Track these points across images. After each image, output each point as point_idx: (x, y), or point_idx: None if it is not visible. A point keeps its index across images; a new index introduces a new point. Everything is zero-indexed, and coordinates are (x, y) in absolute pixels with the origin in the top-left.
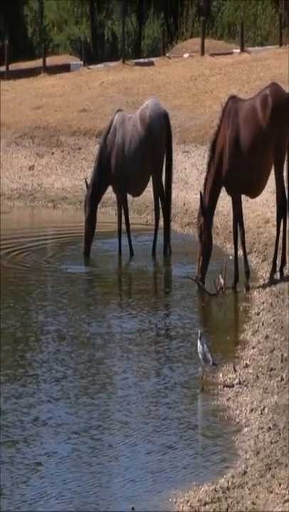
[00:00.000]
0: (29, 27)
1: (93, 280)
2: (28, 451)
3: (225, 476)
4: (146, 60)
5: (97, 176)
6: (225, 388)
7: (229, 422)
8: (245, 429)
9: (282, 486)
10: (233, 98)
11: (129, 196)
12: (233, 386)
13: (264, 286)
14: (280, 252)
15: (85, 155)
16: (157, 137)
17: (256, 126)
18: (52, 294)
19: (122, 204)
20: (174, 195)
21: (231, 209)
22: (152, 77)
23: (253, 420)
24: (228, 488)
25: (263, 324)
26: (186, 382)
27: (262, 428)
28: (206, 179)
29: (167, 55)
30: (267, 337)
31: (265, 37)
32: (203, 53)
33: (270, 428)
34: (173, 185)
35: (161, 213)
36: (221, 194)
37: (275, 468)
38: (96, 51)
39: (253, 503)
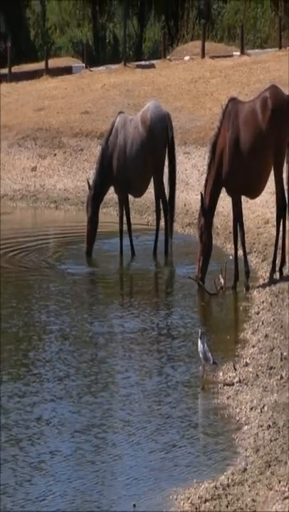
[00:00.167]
0: (31, 29)
1: (95, 280)
2: (32, 449)
3: (225, 474)
4: (147, 63)
5: (99, 177)
6: (225, 387)
7: (229, 420)
8: (245, 427)
9: (281, 483)
10: (233, 100)
11: (130, 197)
12: (233, 384)
13: (264, 286)
14: (279, 252)
15: (87, 156)
16: (158, 139)
17: (256, 128)
18: (54, 294)
19: (123, 205)
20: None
21: (231, 210)
22: (153, 79)
23: (253, 418)
24: (228, 486)
25: (262, 323)
26: (187, 381)
27: (262, 426)
28: (207, 180)
29: (168, 57)
30: (267, 336)
31: (265, 40)
32: (203, 56)
33: (269, 426)
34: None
35: (162, 214)
36: (221, 195)
37: (275, 465)
38: (98, 54)
39: (253, 500)
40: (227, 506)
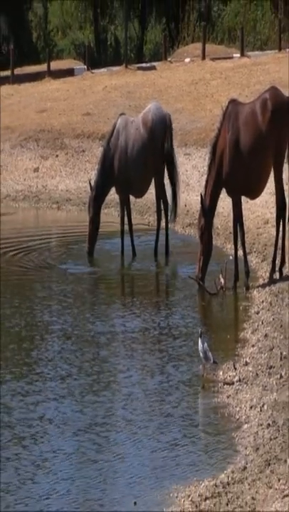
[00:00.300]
0: (34, 32)
1: (96, 280)
2: (35, 448)
3: (225, 472)
4: (148, 65)
5: (101, 178)
6: (225, 386)
7: (229, 418)
8: (245, 426)
9: (281, 481)
10: (233, 102)
11: (131, 197)
12: (233, 384)
13: (263, 286)
14: (279, 252)
15: (89, 157)
16: (159, 140)
17: (256, 129)
18: (56, 294)
19: (124, 205)
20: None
21: (231, 210)
22: (154, 81)
23: (253, 417)
24: (228, 484)
25: (262, 323)
26: (188, 380)
27: (261, 425)
28: (207, 181)
29: (169, 59)
30: (266, 335)
31: (265, 42)
32: (204, 58)
33: (269, 425)
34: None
35: (162, 214)
36: (222, 195)
37: (275, 464)
38: (99, 56)
39: (253, 498)
40: (227, 504)
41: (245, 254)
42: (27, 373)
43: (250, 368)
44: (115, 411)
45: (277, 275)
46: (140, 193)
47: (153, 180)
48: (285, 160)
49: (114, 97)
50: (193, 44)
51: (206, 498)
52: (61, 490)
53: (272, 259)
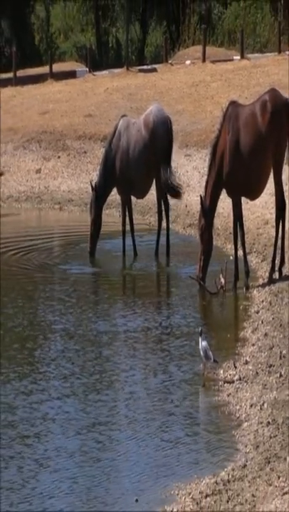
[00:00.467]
0: (36, 34)
1: (98, 280)
2: (38, 446)
3: (225, 469)
4: (149, 67)
5: (102, 179)
6: (225, 384)
7: (230, 416)
8: (245, 424)
9: (281, 478)
10: (233, 103)
11: (133, 198)
12: (233, 382)
13: (263, 286)
14: (279, 252)
15: (91, 158)
16: (161, 141)
17: (256, 130)
18: (58, 294)
19: (126, 206)
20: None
21: (231, 211)
22: (155, 83)
23: (253, 415)
24: (228, 481)
25: (262, 322)
26: (190, 379)
27: (261, 423)
28: (207, 182)
29: (170, 61)
30: (266, 334)
31: (265, 44)
32: (204, 60)
33: (269, 423)
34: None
35: (164, 215)
36: (222, 196)
37: (274, 461)
38: (101, 58)
39: (253, 496)
40: (227, 501)
41: (245, 255)
42: (30, 372)
43: (250, 367)
44: (118, 410)
45: (276, 275)
46: (141, 194)
47: (154, 181)
48: (285, 161)
49: (115, 99)
50: (193, 46)
51: (207, 496)
52: (64, 488)
53: (271, 259)
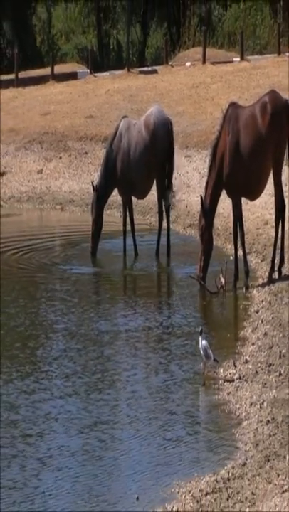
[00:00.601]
0: (38, 36)
1: (99, 279)
2: (40, 445)
3: (225, 468)
4: (150, 69)
5: (104, 180)
6: (225, 383)
7: (230, 415)
8: (245, 423)
9: (280, 476)
10: (233, 105)
11: (134, 199)
12: (233, 381)
13: (263, 285)
14: (278, 252)
15: (92, 159)
16: (161, 143)
17: (256, 131)
18: (60, 293)
19: (127, 206)
20: (176, 198)
21: (231, 211)
22: (156, 84)
23: (253, 414)
24: (228, 479)
25: (262, 322)
26: (191, 378)
27: (261, 421)
28: (207, 182)
29: (170, 63)
30: (266, 334)
31: (264, 46)
32: (204, 62)
33: (268, 421)
34: (175, 188)
35: (164, 215)
36: (222, 197)
37: (274, 459)
38: (102, 60)
39: (253, 493)
40: (227, 499)
41: (245, 255)
42: (32, 372)
43: (250, 366)
44: (120, 409)
45: (276, 275)
46: (142, 195)
47: (155, 182)
48: (285, 162)
49: (116, 100)
50: (193, 48)
51: (207, 494)
52: (66, 487)
53: (271, 259)
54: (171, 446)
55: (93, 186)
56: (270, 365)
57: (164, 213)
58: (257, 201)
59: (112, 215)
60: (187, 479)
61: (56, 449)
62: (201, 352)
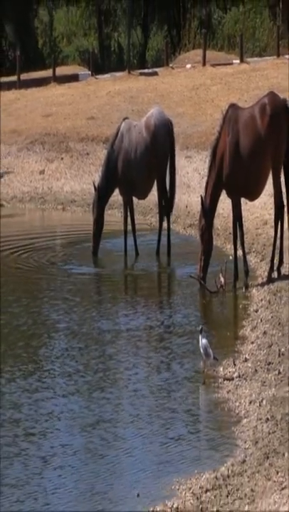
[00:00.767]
0: (40, 38)
1: (100, 278)
2: (43, 443)
3: (225, 465)
4: (150, 71)
5: (105, 180)
6: (225, 381)
7: (229, 413)
8: (245, 420)
9: (279, 473)
10: (233, 106)
11: (134, 199)
12: (232, 379)
13: (262, 285)
14: (277, 252)
15: (93, 160)
16: (162, 144)
17: (255, 133)
18: (62, 292)
19: (128, 206)
20: (176, 198)
21: (231, 211)
22: (156, 86)
23: (252, 412)
24: (228, 476)
25: (261, 320)
26: (191, 376)
27: (260, 419)
28: (207, 183)
29: (170, 65)
30: (265, 333)
31: (264, 48)
32: (204, 64)
33: (268, 419)
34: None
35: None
36: (222, 197)
37: (273, 457)
38: (103, 62)
39: (252, 490)
40: (227, 496)
41: (244, 254)
42: (35, 370)
43: (250, 364)
44: (122, 407)
45: (275, 274)
46: (143, 195)
47: (155, 183)
48: None
49: (117, 102)
50: (194, 50)
51: (207, 490)
52: (69, 484)
53: (270, 258)
54: (171, 443)
55: (95, 186)
56: (269, 363)
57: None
58: (256, 201)
59: (113, 215)
60: (187, 476)
61: (59, 447)
62: (201, 350)
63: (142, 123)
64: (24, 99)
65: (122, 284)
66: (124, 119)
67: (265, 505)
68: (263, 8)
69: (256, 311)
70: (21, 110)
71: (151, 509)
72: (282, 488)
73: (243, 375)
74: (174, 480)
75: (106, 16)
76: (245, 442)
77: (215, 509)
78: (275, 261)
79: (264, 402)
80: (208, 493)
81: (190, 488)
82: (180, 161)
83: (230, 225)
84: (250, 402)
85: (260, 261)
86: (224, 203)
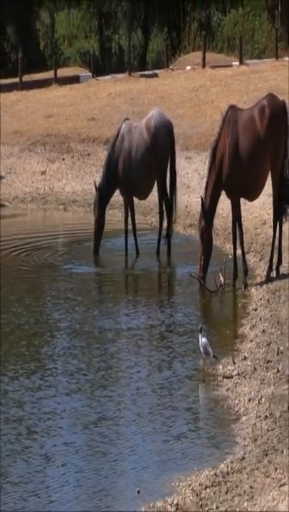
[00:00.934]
0: (41, 41)
1: (102, 277)
2: (46, 441)
3: (224, 462)
4: (150, 72)
5: (106, 181)
6: (224, 379)
7: (228, 410)
8: (244, 418)
9: (278, 470)
10: (232, 108)
11: (135, 199)
12: (232, 377)
13: (261, 284)
14: (276, 251)
15: (94, 161)
16: (162, 145)
17: (254, 134)
18: (63, 292)
19: (128, 207)
20: (176, 199)
21: (231, 211)
22: (156, 88)
23: (251, 409)
24: (227, 473)
25: (260, 319)
26: (193, 375)
27: (259, 417)
28: (207, 183)
29: (171, 67)
30: (264, 331)
31: (263, 50)
32: (204, 66)
33: (266, 416)
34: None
35: (165, 215)
36: (221, 197)
37: (272, 454)
38: (104, 64)
39: (251, 487)
40: (226, 493)
41: (243, 254)
42: (38, 369)
43: (249, 363)
44: (124, 405)
45: (274, 273)
46: (143, 195)
47: (155, 183)
48: None
49: (118, 103)
50: (193, 52)
51: (207, 487)
52: (71, 481)
53: (269, 258)
54: (172, 441)
55: (96, 187)
56: (268, 361)
57: (165, 213)
58: (255, 202)
59: (114, 215)
60: (187, 473)
61: (61, 444)
62: (201, 349)
63: (142, 124)
64: (26, 100)
65: (123, 283)
66: (125, 120)
67: (264, 501)
68: (261, 11)
69: (255, 309)
70: (23, 111)
71: (151, 505)
72: (281, 485)
73: (242, 373)
74: (174, 477)
75: (107, 18)
76: (245, 439)
77: (214, 505)
78: (274, 260)
79: (263, 399)
80: (207, 490)
81: (190, 485)
82: (180, 161)
83: (230, 225)
84: (250, 400)
85: (259, 260)
86: (224, 203)
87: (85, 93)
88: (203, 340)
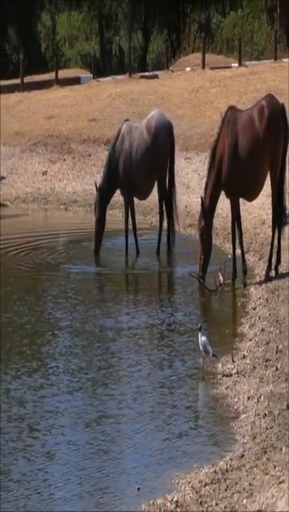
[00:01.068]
0: (42, 42)
1: (102, 277)
2: (48, 439)
3: (224, 459)
4: (151, 74)
5: (106, 181)
6: (224, 377)
7: (228, 408)
8: (243, 416)
9: (277, 468)
10: (231, 108)
11: (135, 199)
12: (231, 375)
13: (260, 283)
14: (275, 251)
15: (95, 161)
16: (162, 145)
17: (253, 134)
18: (64, 291)
19: (129, 206)
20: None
21: (230, 211)
22: (157, 89)
23: (250, 407)
24: (226, 470)
25: (259, 318)
26: (194, 374)
27: (258, 415)
28: (207, 184)
29: (170, 68)
30: (263, 330)
31: (262, 52)
32: (203, 67)
33: (265, 414)
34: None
35: (165, 215)
36: (221, 197)
37: (271, 451)
38: (104, 65)
39: (250, 484)
40: (226, 490)
41: (242, 253)
42: (39, 368)
43: (248, 361)
44: (125, 403)
45: (273, 273)
46: (144, 195)
47: (156, 183)
48: None
49: (118, 104)
50: (193, 54)
51: (206, 484)
52: (73, 479)
53: (268, 257)
54: (172, 439)
55: (96, 187)
56: (267, 360)
57: (165, 214)
58: (254, 202)
59: (115, 215)
60: (187, 471)
61: (63, 443)
62: (200, 348)
63: (142, 125)
64: (27, 101)
65: (124, 282)
66: (125, 121)
67: (263, 498)
68: (261, 13)
69: (254, 308)
70: (24, 112)
71: (151, 502)
72: (280, 482)
73: (241, 371)
74: (174, 474)
75: (107, 20)
76: (244, 437)
77: (214, 502)
78: (273, 260)
79: (262, 397)
80: (207, 487)
81: (190, 482)
82: (180, 162)
83: (229, 224)
84: (249, 398)
85: (258, 260)
86: (223, 203)
87: (85, 94)
88: (202, 338)
